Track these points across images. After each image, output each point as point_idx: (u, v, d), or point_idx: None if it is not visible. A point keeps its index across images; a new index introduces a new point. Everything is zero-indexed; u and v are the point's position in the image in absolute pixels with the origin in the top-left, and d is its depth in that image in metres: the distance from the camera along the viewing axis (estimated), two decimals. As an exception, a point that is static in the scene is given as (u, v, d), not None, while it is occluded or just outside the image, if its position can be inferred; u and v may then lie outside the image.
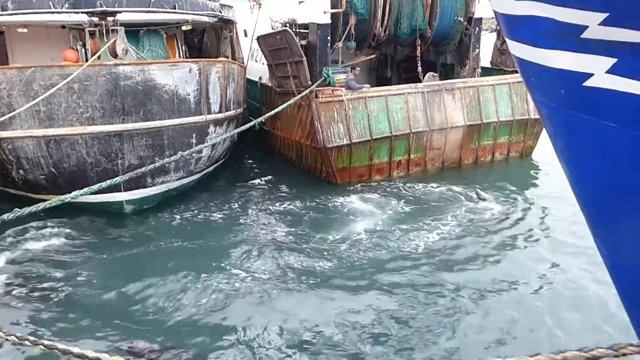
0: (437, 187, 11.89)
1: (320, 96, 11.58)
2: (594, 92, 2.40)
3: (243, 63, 14.36)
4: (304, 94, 11.47)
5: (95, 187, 5.54)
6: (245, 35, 16.43)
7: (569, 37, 2.35)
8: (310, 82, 11.71)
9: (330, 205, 11.05)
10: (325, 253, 8.78)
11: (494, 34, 15.39)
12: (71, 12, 10.35)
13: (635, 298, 2.94)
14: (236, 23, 14.52)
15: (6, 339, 2.77)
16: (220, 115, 11.60)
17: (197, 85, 10.67)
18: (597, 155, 2.59)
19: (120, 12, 10.25)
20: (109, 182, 6.04)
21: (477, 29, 14.28)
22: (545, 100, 2.74)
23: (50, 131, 9.63)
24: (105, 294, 7.60)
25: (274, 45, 12.55)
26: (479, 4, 14.04)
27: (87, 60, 10.02)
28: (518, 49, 2.68)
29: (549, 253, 8.73)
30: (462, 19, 14.09)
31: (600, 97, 2.39)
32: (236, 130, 10.99)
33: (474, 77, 14.23)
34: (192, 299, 7.39)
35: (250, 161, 15.00)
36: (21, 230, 9.52)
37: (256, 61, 15.77)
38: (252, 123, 9.30)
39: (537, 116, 12.36)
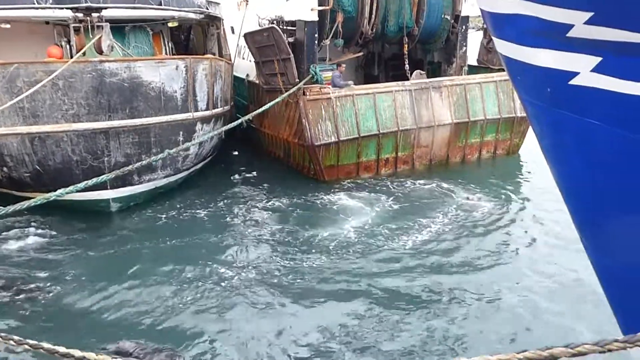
0: (425, 185, 11.94)
1: (307, 94, 11.57)
2: (579, 90, 2.42)
3: (230, 60, 14.29)
4: (291, 91, 11.45)
5: (81, 185, 5.47)
6: (233, 32, 16.36)
7: (555, 36, 2.36)
8: (297, 80, 11.69)
9: (318, 202, 11.05)
10: (313, 251, 8.78)
11: (481, 32, 15.47)
12: (55, 8, 10.24)
13: (620, 295, 2.97)
14: (223, 20, 14.46)
15: (-10, 339, 2.74)
16: (207, 113, 11.54)
17: (183, 82, 10.61)
18: (582, 153, 2.61)
19: (105, 8, 10.14)
20: (95, 180, 5.97)
21: (464, 27, 14.34)
22: (532, 99, 2.76)
23: (35, 128, 9.51)
24: (92, 293, 7.52)
25: (261, 42, 12.51)
26: (465, 2, 14.10)
27: (71, 57, 9.90)
28: (504, 47, 2.69)
29: (538, 249, 8.81)
30: (449, 17, 14.14)
31: (585, 95, 2.41)
32: (223, 128, 10.93)
33: (461, 75, 14.30)
34: (179, 298, 7.35)
35: (237, 159, 14.94)
36: (5, 227, 9.41)
37: (243, 58, 15.72)
38: (239, 121, 9.27)
39: (524, 114, 12.47)
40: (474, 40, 15.31)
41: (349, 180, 12.20)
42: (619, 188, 2.54)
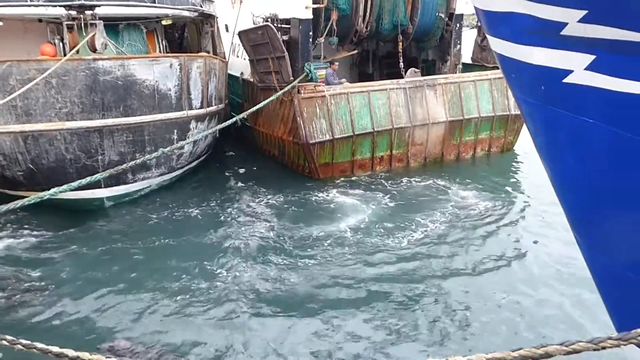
0: (420, 183, 11.95)
1: (302, 92, 11.56)
2: (573, 88, 2.42)
3: (224, 58, 14.27)
4: (286, 89, 11.44)
5: (75, 184, 5.44)
6: (227, 30, 16.31)
7: (549, 34, 2.37)
8: (292, 78, 11.67)
9: (313, 200, 11.05)
10: (308, 250, 8.76)
11: (475, 30, 15.49)
12: (48, 6, 10.17)
13: (613, 292, 2.99)
14: (217, 18, 14.42)
15: (-17, 339, 2.72)
16: (201, 111, 11.51)
17: (178, 80, 10.58)
18: (576, 151, 2.62)
19: (99, 5, 10.09)
20: (89, 178, 5.95)
21: (458, 25, 14.37)
22: (526, 97, 2.76)
23: (28, 127, 9.46)
24: (84, 293, 7.48)
25: (255, 40, 12.49)
26: (459, 0, 14.13)
27: (65, 55, 9.85)
28: (499, 45, 2.70)
29: (533, 245, 8.82)
30: (443, 15, 14.17)
31: (579, 93, 2.42)
32: (218, 127, 10.88)
33: (456, 73, 14.33)
34: (172, 298, 7.31)
35: (232, 157, 14.91)
36: (-2, 227, 9.38)
37: (238, 56, 15.68)
38: (234, 119, 9.25)
39: (518, 112, 12.51)
40: (468, 38, 15.33)
41: (343, 178, 12.20)
42: (612, 185, 2.55)
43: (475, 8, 2.74)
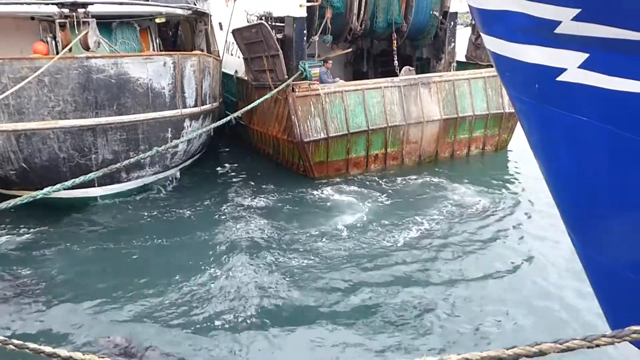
0: (415, 180, 11.96)
1: (296, 90, 11.54)
2: (567, 86, 2.43)
3: (218, 56, 14.22)
4: (280, 88, 11.42)
5: (68, 183, 5.41)
6: (221, 28, 16.27)
7: (543, 32, 2.37)
8: (286, 76, 11.65)
9: (307, 199, 11.04)
10: (303, 249, 8.74)
11: (469, 28, 15.51)
12: (41, 3, 10.11)
13: (607, 290, 2.99)
14: (211, 16, 14.37)
15: (-25, 340, 2.70)
16: (195, 109, 11.48)
17: (171, 78, 10.54)
18: (570, 149, 2.63)
19: (91, 3, 10.02)
20: (82, 177, 5.92)
21: (452, 23, 14.38)
22: (520, 95, 2.77)
23: (20, 125, 9.40)
24: (77, 292, 7.44)
25: (249, 38, 12.46)
26: (453, -2, 14.17)
27: (57, 53, 9.80)
28: (493, 44, 2.70)
29: (528, 242, 8.85)
30: (437, 13, 14.17)
31: (573, 91, 2.43)
32: (212, 125, 10.87)
33: (450, 71, 14.34)
34: (165, 296, 7.28)
35: (226, 156, 14.88)
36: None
37: (232, 55, 15.63)
38: (228, 118, 9.21)
39: (512, 110, 12.54)
40: (462, 37, 15.35)
41: (338, 177, 12.20)
42: (607, 184, 2.55)
43: (470, 6, 2.74)
